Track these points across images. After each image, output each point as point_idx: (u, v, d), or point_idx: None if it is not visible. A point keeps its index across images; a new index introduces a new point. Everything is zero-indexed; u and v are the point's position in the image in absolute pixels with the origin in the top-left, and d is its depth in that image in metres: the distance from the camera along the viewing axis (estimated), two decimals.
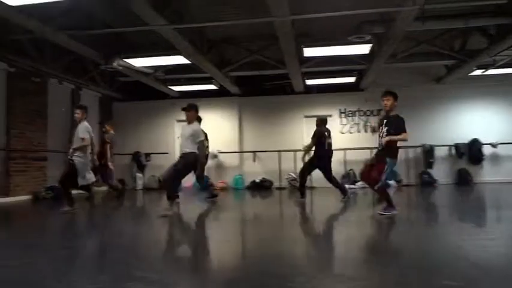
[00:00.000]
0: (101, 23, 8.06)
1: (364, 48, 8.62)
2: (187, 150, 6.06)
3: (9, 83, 8.99)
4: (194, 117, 6.36)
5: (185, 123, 6.42)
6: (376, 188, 5.50)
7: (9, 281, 2.83)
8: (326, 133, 7.92)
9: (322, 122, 8.13)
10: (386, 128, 5.38)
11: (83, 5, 7.00)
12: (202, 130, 6.53)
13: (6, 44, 8.24)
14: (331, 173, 7.83)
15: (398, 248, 3.86)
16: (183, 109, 6.37)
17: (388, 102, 5.47)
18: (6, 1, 5.84)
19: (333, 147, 8.20)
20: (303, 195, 8.03)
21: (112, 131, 8.80)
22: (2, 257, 3.60)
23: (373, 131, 5.88)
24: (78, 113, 6.85)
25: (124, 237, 4.65)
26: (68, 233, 5.29)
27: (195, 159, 6.08)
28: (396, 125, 5.33)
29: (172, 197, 6.08)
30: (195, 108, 6.37)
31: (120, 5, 6.72)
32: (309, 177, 8.39)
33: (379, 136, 5.51)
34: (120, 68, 9.41)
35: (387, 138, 5.29)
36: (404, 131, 5.33)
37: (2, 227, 6.20)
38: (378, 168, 5.44)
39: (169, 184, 6.18)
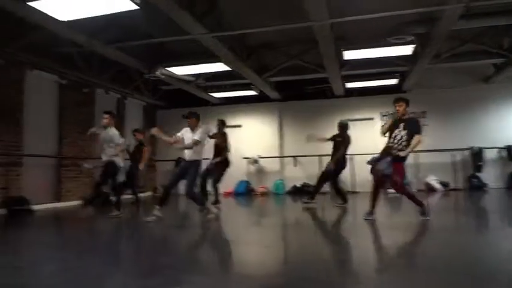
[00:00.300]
0: (144, 34, 8.35)
1: (406, 49, 8.41)
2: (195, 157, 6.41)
3: (61, 95, 9.51)
4: (196, 124, 6.53)
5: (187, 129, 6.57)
6: (402, 192, 5.69)
7: (62, 283, 2.98)
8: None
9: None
10: (405, 131, 5.57)
11: (127, 18, 7.26)
12: (224, 132, 7.55)
13: (57, 58, 8.70)
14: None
15: (448, 255, 3.73)
16: (184, 116, 6.64)
17: (400, 108, 5.71)
18: (57, 17, 6.17)
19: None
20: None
21: (142, 138, 9.02)
22: (56, 259, 3.79)
23: (384, 133, 5.89)
24: (106, 118, 6.92)
25: (169, 241, 4.77)
26: (116, 236, 5.49)
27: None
28: (413, 127, 5.58)
29: (200, 202, 6.44)
30: (195, 116, 6.57)
31: (162, 16, 6.93)
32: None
33: (393, 137, 5.68)
34: (163, 76, 9.70)
35: (407, 152, 5.53)
36: (419, 133, 5.56)
37: (55, 231, 6.54)
38: (397, 170, 5.52)
39: (193, 194, 6.39)
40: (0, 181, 7.73)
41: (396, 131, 5.65)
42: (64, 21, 6.39)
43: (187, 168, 6.31)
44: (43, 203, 8.64)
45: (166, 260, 3.70)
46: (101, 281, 3.03)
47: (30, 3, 5.67)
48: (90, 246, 4.65)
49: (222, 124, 8.54)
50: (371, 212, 5.77)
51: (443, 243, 4.44)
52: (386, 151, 5.67)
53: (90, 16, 6.18)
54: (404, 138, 5.54)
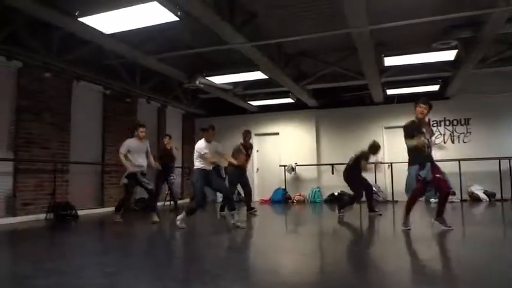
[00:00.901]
0: (184, 45, 8.55)
1: (449, 55, 8.15)
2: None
3: (105, 104, 9.88)
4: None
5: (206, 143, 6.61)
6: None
7: (105, 285, 3.07)
8: None
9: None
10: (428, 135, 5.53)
11: (167, 29, 7.46)
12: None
13: (102, 69, 9.05)
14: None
15: (494, 268, 3.55)
16: (203, 129, 6.79)
17: (425, 110, 5.56)
18: (102, 30, 6.43)
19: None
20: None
21: (168, 146, 9.54)
22: (100, 264, 3.92)
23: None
24: (144, 131, 7.39)
25: (207, 248, 4.82)
26: (155, 242, 5.60)
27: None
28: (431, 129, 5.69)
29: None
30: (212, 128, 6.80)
31: (202, 26, 7.08)
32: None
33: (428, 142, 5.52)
34: (202, 85, 9.88)
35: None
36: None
37: (99, 236, 6.75)
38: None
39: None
40: (48, 187, 8.09)
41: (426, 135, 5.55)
42: (108, 34, 6.64)
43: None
44: (87, 209, 8.97)
45: (205, 266, 3.75)
46: (142, 286, 3.09)
47: (80, 19, 5.93)
48: (132, 251, 4.77)
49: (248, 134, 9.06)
50: (406, 222, 5.65)
51: (488, 255, 4.25)
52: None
53: (132, 28, 6.39)
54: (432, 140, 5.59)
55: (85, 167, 9.19)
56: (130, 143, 7.31)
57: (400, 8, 6.76)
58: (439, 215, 5.58)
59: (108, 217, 8.65)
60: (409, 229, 5.53)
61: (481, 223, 7.10)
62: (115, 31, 6.52)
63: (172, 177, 9.58)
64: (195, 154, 6.44)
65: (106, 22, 6.10)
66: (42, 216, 7.83)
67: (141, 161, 7.27)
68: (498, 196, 10.63)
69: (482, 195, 10.59)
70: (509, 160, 10.75)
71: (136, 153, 7.24)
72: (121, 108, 10.27)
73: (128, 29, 6.44)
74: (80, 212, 8.30)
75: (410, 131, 5.48)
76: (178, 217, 6.34)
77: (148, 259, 4.30)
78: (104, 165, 9.73)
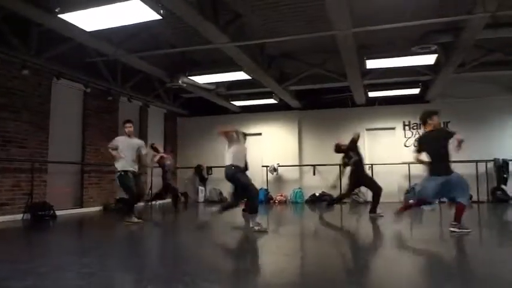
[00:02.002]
0: (167, 43, 8.49)
1: (429, 59, 8.29)
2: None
3: (85, 102, 9.71)
4: None
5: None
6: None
7: (83, 287, 3.02)
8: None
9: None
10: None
11: (150, 28, 7.40)
12: None
13: (82, 67, 8.91)
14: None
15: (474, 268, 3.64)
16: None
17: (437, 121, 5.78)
18: (83, 27, 6.32)
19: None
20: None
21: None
22: (79, 264, 3.85)
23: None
24: (131, 127, 7.20)
25: (190, 249, 4.79)
26: (136, 242, 5.54)
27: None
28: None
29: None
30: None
31: (185, 25, 7.05)
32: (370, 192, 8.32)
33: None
34: (185, 85, 9.81)
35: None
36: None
37: (78, 236, 6.64)
38: None
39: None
40: (25, 187, 7.91)
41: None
42: (90, 32, 6.54)
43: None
44: (66, 209, 8.80)
45: (186, 267, 3.72)
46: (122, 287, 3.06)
47: (60, 15, 5.82)
48: (112, 251, 4.70)
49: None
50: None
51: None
52: None
53: (114, 26, 6.31)
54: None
55: (64, 167, 9.01)
56: (119, 139, 7.23)
57: (382, 12, 6.84)
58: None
59: (88, 217, 8.53)
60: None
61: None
62: (96, 29, 6.42)
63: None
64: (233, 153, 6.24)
65: (87, 19, 6.00)
66: (19, 216, 7.64)
67: (129, 158, 7.07)
68: (475, 198, 10.85)
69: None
70: (486, 163, 11.01)
71: (125, 150, 7.07)
72: (102, 106, 10.12)
73: (109, 27, 6.35)
74: (58, 212, 8.13)
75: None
76: (254, 221, 5.99)
77: (129, 260, 4.24)
78: (83, 165, 9.56)
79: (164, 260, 4.40)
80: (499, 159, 10.90)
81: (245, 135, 7.30)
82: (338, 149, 8.31)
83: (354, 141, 8.07)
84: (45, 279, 3.27)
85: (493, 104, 11.24)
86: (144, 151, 7.38)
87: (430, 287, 3.13)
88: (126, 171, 7.01)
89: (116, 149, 7.08)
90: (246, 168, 6.66)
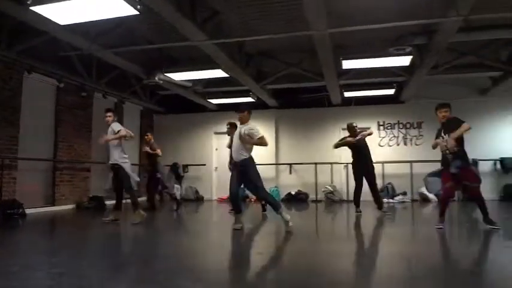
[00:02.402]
0: (144, 39, 8.37)
1: (404, 60, 8.46)
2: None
3: (58, 98, 9.46)
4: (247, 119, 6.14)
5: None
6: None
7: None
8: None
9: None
10: (447, 134, 5.62)
11: (126, 23, 7.28)
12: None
13: (56, 61, 8.68)
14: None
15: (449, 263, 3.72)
16: (237, 111, 6.22)
17: (446, 113, 5.74)
18: (57, 21, 6.16)
19: (372, 161, 8.32)
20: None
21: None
22: (49, 264, 3.76)
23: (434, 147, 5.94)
24: (110, 116, 6.82)
25: (165, 247, 4.74)
26: (110, 241, 5.44)
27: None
28: (454, 124, 5.57)
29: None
30: (248, 109, 6.16)
31: (163, 21, 6.96)
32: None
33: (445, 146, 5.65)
34: (161, 82, 9.69)
35: (452, 138, 5.50)
36: (463, 122, 5.57)
37: (49, 235, 6.48)
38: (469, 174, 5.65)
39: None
40: None
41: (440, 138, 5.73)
42: (64, 25, 6.38)
43: None
44: (36, 207, 8.57)
45: (158, 265, 3.68)
46: (94, 286, 3.00)
47: (32, 8, 5.66)
48: (84, 251, 4.61)
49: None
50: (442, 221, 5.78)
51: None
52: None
53: (90, 20, 6.17)
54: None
55: (35, 163, 8.76)
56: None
57: (359, 13, 6.94)
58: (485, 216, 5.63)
59: (60, 216, 8.33)
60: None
61: (430, 222, 7.39)
62: (70, 22, 6.27)
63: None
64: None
65: (60, 12, 5.86)
66: None
67: (110, 152, 6.73)
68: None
69: (431, 196, 11.06)
70: None
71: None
72: (76, 102, 9.88)
73: (84, 21, 6.22)
74: (29, 211, 7.90)
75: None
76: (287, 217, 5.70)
77: (101, 259, 4.17)
78: (55, 162, 9.32)
79: (136, 258, 4.33)
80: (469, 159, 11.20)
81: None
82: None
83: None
84: (14, 279, 3.17)
85: (464, 106, 11.47)
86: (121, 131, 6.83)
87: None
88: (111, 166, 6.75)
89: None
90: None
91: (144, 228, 6.22)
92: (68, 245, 5.00)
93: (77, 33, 7.16)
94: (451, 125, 5.61)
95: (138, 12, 5.72)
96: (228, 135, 8.08)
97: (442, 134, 5.69)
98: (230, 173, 6.45)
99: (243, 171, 5.97)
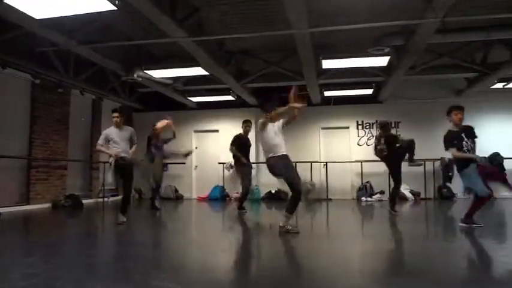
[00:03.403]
0: (123, 36, 8.25)
1: (382, 61, 8.59)
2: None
3: (34, 94, 9.23)
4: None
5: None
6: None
7: None
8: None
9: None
10: (470, 140, 5.60)
11: (105, 18, 7.17)
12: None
13: (32, 57, 8.47)
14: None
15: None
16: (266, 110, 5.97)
17: (461, 116, 5.75)
18: (33, 15, 6.01)
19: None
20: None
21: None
22: (23, 265, 3.67)
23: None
24: (117, 116, 6.52)
25: (141, 247, 4.69)
26: (85, 240, 5.35)
27: None
28: (473, 133, 5.68)
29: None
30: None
31: (142, 18, 6.87)
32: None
33: (467, 150, 5.56)
34: (140, 79, 9.57)
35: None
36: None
37: (22, 234, 6.32)
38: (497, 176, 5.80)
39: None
40: None
41: (464, 142, 5.58)
42: (40, 19, 6.22)
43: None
44: (10, 206, 8.35)
45: (133, 264, 3.64)
46: (65, 286, 2.94)
47: (6, 1, 5.50)
48: (59, 251, 4.51)
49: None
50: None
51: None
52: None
53: (67, 15, 6.04)
54: (473, 146, 5.59)
55: (8, 161, 8.51)
56: (108, 131, 6.57)
57: (339, 14, 7.00)
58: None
59: (34, 215, 8.14)
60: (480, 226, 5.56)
61: (408, 220, 7.53)
62: (47, 16, 6.12)
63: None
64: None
65: (36, 6, 5.71)
66: None
67: (124, 148, 6.46)
68: (423, 195, 11.41)
69: (408, 195, 11.28)
70: (433, 162, 11.54)
71: (121, 142, 6.48)
72: (52, 99, 9.66)
73: (61, 15, 6.08)
74: (1, 210, 7.69)
75: (451, 141, 5.65)
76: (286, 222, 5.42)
77: (76, 259, 4.09)
78: (30, 160, 9.10)
79: (112, 258, 4.28)
80: (445, 158, 11.45)
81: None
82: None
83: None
84: None
85: (441, 106, 11.71)
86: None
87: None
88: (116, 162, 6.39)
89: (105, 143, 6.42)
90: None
91: (124, 227, 6.13)
92: (43, 244, 4.89)
93: (53, 28, 6.99)
94: (471, 132, 5.68)
95: (116, 8, 5.62)
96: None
97: (465, 139, 5.58)
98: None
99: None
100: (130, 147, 6.69)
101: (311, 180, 12.10)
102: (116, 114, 6.56)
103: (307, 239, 5.22)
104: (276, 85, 11.09)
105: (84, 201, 9.80)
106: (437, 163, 11.66)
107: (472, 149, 5.55)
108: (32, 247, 4.79)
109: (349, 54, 8.40)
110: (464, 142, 5.55)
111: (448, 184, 11.44)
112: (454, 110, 5.74)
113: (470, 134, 5.63)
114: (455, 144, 5.56)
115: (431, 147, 11.62)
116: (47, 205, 9.30)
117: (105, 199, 10.20)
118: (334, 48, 8.79)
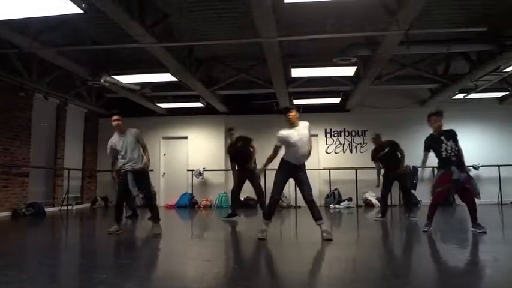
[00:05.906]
0: (89, 39, 8.08)
1: (349, 70, 8.78)
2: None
3: None
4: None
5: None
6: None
7: None
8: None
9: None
10: (450, 141, 5.75)
11: (71, 21, 7.00)
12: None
13: None
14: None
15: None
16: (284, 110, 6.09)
17: (441, 122, 5.87)
18: None
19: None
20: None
21: None
22: None
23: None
24: (118, 119, 5.92)
25: (106, 254, 4.58)
26: (49, 251, 5.17)
27: None
28: (453, 135, 5.84)
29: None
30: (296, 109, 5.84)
31: (109, 22, 6.75)
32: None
33: (445, 150, 5.74)
34: (107, 84, 9.38)
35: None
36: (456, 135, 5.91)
37: None
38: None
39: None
40: None
41: (443, 145, 5.75)
42: (1, 21, 6.00)
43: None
44: None
45: (103, 275, 3.54)
46: None
47: None
48: (22, 260, 4.33)
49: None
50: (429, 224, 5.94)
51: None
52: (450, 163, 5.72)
53: (30, 17, 5.85)
54: (454, 148, 5.72)
55: None
56: (112, 140, 5.97)
57: (307, 23, 7.11)
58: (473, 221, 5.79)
59: None
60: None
61: (371, 226, 7.68)
62: (8, 18, 5.90)
63: None
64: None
65: None
66: None
67: (131, 157, 5.85)
68: (389, 202, 11.64)
69: (374, 201, 11.52)
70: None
71: (127, 149, 5.90)
72: (13, 103, 9.31)
73: (24, 17, 5.88)
74: None
75: (428, 144, 5.94)
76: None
77: (38, 270, 3.93)
78: None
79: (80, 267, 4.15)
80: (409, 166, 11.76)
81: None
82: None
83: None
84: None
85: (405, 115, 12.12)
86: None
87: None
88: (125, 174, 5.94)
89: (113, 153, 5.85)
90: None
91: (86, 235, 5.96)
92: (4, 254, 4.68)
93: (15, 29, 6.76)
94: (450, 133, 5.83)
95: (82, 11, 5.50)
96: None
97: (445, 141, 5.75)
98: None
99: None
100: (144, 150, 6.05)
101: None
102: (115, 117, 5.86)
103: (276, 246, 5.23)
104: (246, 92, 11.15)
105: (47, 209, 9.48)
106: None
107: (455, 150, 5.74)
108: None
109: (317, 63, 8.54)
110: (443, 144, 5.76)
111: (413, 191, 11.72)
112: (432, 116, 5.93)
113: (450, 136, 5.82)
114: (433, 147, 5.87)
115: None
116: (7, 213, 8.93)
117: (69, 207, 9.90)
118: (304, 57, 8.92)
